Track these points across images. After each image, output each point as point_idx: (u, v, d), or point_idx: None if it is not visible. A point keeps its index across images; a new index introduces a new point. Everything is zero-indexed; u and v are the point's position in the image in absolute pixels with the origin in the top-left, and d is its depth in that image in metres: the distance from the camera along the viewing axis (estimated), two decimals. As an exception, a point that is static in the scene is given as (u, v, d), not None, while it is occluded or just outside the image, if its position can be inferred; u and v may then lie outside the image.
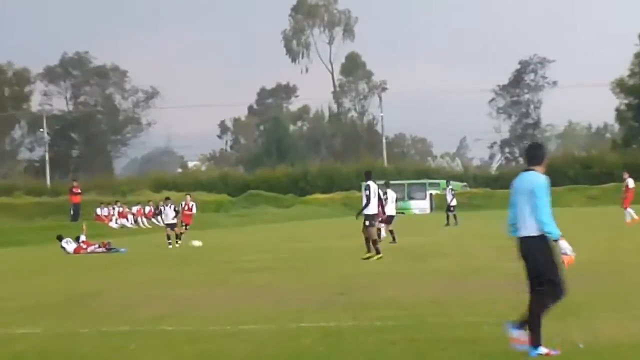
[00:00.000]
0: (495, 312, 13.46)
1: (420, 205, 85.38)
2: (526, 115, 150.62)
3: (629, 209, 42.82)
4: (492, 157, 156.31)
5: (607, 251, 24.95)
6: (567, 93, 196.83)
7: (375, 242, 26.61)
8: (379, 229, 30.98)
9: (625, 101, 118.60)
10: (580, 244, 28.56)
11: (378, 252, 26.13)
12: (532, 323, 10.10)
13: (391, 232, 33.98)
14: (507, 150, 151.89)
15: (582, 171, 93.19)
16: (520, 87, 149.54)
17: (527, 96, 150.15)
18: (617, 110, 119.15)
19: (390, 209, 34.07)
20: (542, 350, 10.00)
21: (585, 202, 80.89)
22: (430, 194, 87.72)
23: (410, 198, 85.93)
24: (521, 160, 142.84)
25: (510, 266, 21.35)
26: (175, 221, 40.35)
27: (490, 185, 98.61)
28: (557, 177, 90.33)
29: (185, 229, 41.49)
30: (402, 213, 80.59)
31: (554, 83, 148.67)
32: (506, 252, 26.54)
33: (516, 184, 10.53)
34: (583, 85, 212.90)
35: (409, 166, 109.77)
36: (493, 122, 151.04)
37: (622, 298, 14.49)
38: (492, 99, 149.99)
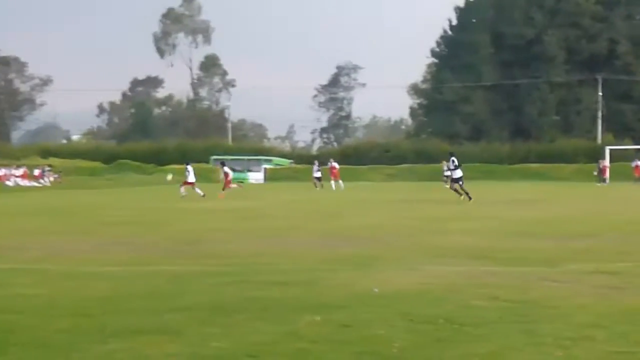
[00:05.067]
0: (308, 261, 13.66)
1: (256, 177, 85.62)
2: (340, 109, 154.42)
3: None
4: (313, 141, 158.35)
5: (393, 218, 25.43)
6: (372, 93, 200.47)
7: None
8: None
9: (417, 101, 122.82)
10: (371, 212, 29.26)
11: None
12: None
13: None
14: (324, 136, 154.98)
15: (382, 154, 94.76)
16: (336, 86, 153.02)
17: (341, 94, 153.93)
18: (411, 108, 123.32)
19: None
20: None
21: (384, 178, 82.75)
22: (264, 168, 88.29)
23: (249, 170, 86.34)
24: (335, 144, 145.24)
25: (319, 227, 21.68)
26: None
27: (311, 162, 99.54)
28: (363, 158, 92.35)
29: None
30: (242, 182, 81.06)
31: (363, 85, 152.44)
32: (315, 215, 26.95)
33: None
34: (385, 87, 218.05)
35: (249, 145, 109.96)
36: (315, 113, 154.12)
37: (402, 255, 14.74)
38: (315, 95, 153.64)
